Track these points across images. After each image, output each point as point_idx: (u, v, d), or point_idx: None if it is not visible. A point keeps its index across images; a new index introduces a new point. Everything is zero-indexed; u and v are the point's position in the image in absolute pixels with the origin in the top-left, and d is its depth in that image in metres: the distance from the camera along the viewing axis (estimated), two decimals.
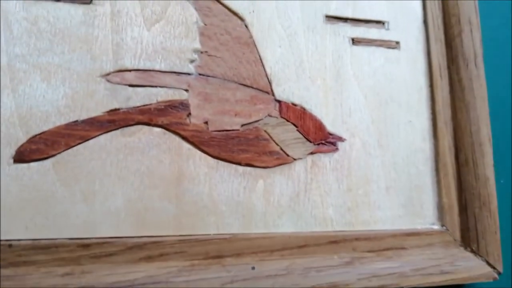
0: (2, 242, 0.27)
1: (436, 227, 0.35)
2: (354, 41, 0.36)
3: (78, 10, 0.31)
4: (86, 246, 0.28)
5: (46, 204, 0.28)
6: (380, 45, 0.36)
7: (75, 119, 0.30)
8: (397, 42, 0.37)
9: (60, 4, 0.31)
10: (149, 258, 0.29)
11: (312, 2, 0.35)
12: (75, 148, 0.29)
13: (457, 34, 0.37)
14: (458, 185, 0.35)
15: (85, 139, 0.30)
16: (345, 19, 0.36)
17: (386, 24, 0.37)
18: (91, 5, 0.31)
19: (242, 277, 0.29)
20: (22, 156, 0.29)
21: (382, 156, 0.35)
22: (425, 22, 0.38)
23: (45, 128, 0.29)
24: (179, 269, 0.29)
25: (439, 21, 0.37)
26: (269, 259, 0.30)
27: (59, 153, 0.29)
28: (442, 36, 0.37)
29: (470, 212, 0.35)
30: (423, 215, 0.35)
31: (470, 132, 0.35)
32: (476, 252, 0.34)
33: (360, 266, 0.31)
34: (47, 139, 0.29)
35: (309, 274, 0.30)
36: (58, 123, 0.29)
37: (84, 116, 0.30)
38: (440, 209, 0.35)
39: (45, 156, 0.29)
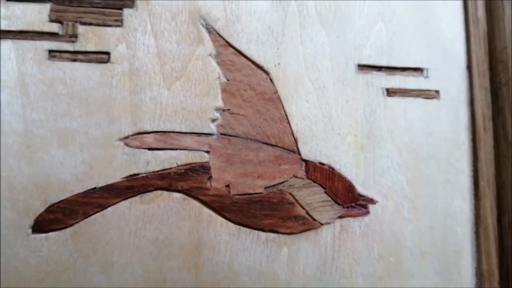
0: None
1: None
2: (389, 92, 0.34)
3: (95, 70, 0.31)
4: None
5: (64, 276, 0.29)
6: (418, 96, 0.35)
7: (93, 186, 0.30)
8: (437, 91, 0.35)
9: (77, 64, 0.31)
10: None
11: (343, 50, 0.34)
12: (93, 216, 0.30)
13: (505, 83, 0.35)
14: (500, 251, 0.34)
15: (103, 207, 0.30)
16: (379, 68, 0.35)
17: (425, 72, 0.35)
18: (108, 64, 0.31)
19: None
20: (40, 226, 0.29)
21: (417, 219, 0.34)
22: (468, 68, 0.36)
23: (63, 197, 0.30)
24: None
25: (485, 67, 0.35)
26: None
27: (77, 222, 0.30)
28: (487, 84, 0.35)
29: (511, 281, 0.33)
30: (460, 283, 0.34)
31: None
32: None
33: None
34: (65, 208, 0.29)
35: None
36: (76, 191, 0.30)
37: (102, 182, 0.30)
38: (479, 276, 0.34)
39: (63, 226, 0.29)
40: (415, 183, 0.34)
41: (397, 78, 0.35)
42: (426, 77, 0.35)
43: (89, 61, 0.31)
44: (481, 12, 0.36)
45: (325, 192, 0.33)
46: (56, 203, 0.29)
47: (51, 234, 0.29)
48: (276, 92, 0.33)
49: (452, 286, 0.34)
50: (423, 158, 0.34)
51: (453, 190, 0.35)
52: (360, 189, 0.33)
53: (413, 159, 0.34)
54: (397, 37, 0.35)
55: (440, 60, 0.36)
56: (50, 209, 0.29)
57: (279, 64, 0.33)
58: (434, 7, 0.36)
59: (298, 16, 0.34)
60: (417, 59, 0.35)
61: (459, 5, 0.36)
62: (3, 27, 0.30)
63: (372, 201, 0.33)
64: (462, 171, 0.35)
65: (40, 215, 0.29)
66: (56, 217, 0.29)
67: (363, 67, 0.34)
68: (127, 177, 0.30)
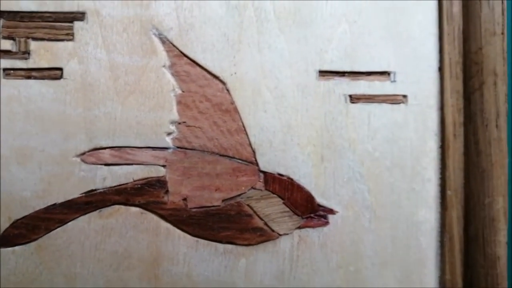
0: None
1: None
2: (352, 99, 0.35)
3: (49, 87, 0.32)
4: None
5: (33, 285, 0.32)
6: (384, 101, 0.35)
7: (53, 202, 0.33)
8: (405, 96, 0.35)
9: (31, 81, 0.32)
10: None
11: (303, 56, 0.34)
12: (55, 231, 0.33)
13: (478, 87, 0.34)
14: (465, 262, 0.35)
15: (64, 222, 0.33)
16: (342, 73, 0.34)
17: (392, 75, 0.35)
18: (61, 80, 0.33)
19: None
20: (6, 241, 0.32)
21: (378, 229, 0.35)
22: (440, 70, 0.35)
23: (25, 213, 0.32)
24: None
25: (458, 69, 0.35)
26: None
27: (40, 237, 0.33)
28: (460, 87, 0.35)
29: None
30: None
31: (482, 204, 0.34)
32: None
33: None
34: (28, 224, 0.32)
35: None
36: (37, 207, 0.32)
37: (61, 199, 0.33)
38: (442, 285, 0.35)
39: (28, 240, 0.32)
40: (378, 192, 0.35)
41: (362, 83, 0.35)
42: (393, 81, 0.35)
43: (43, 77, 0.32)
44: (456, 8, 0.34)
45: (284, 203, 0.34)
46: (20, 219, 0.32)
47: (17, 248, 0.32)
48: (233, 102, 0.34)
49: None
50: (386, 167, 0.35)
51: (418, 199, 0.35)
52: (320, 199, 0.34)
53: (376, 168, 0.35)
54: (362, 39, 0.34)
55: (410, 63, 0.35)
56: (15, 224, 0.32)
57: (235, 73, 0.34)
58: (406, 4, 0.35)
59: (256, 21, 0.34)
60: (384, 62, 0.35)
61: (433, 2, 0.35)
62: None
63: (331, 211, 0.35)
64: (428, 179, 0.35)
65: (6, 230, 0.32)
66: (20, 232, 0.32)
67: (324, 73, 0.34)
68: (85, 192, 0.33)
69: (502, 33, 0.34)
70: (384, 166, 0.35)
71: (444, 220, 0.35)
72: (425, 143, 0.35)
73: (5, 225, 0.32)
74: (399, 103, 0.35)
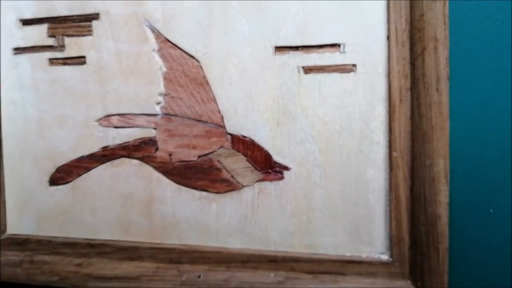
0: (45, 238, 0.47)
1: (384, 257, 0.40)
2: (305, 70, 0.41)
3: (77, 71, 0.47)
4: (92, 245, 0.47)
5: (68, 215, 0.48)
6: (334, 71, 0.41)
7: (81, 155, 0.47)
8: (354, 65, 0.40)
9: (65, 67, 0.47)
10: (130, 259, 0.45)
11: (262, 35, 0.42)
12: (83, 176, 0.47)
13: (420, 53, 0.37)
14: (411, 219, 0.39)
15: (89, 169, 0.47)
16: (296, 48, 0.41)
17: (341, 47, 0.40)
18: (85, 66, 0.47)
19: (189, 283, 0.43)
20: (53, 181, 0.48)
21: (328, 185, 0.41)
22: (388, 38, 0.39)
23: (64, 162, 0.47)
24: (147, 269, 0.44)
25: (405, 37, 0.38)
26: (215, 270, 0.43)
27: (74, 179, 0.47)
28: (407, 54, 0.39)
29: (419, 248, 0.38)
30: (371, 244, 0.41)
31: (424, 165, 0.37)
32: None
33: (291, 286, 0.41)
34: (66, 170, 0.47)
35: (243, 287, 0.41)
36: (71, 158, 0.47)
37: (86, 152, 0.47)
38: (390, 240, 0.40)
39: (66, 181, 0.48)
40: (328, 153, 0.41)
41: (313, 56, 0.41)
42: (343, 52, 0.40)
43: (73, 64, 0.47)
44: None
45: (247, 160, 0.43)
46: (60, 166, 0.48)
47: (60, 186, 0.48)
48: (205, 77, 0.44)
49: (361, 246, 0.41)
50: (336, 130, 0.41)
51: (366, 160, 0.40)
52: (276, 157, 0.42)
53: (326, 131, 0.41)
54: (313, 16, 0.41)
55: (359, 34, 0.40)
56: (58, 170, 0.48)
57: (206, 53, 0.43)
58: None
59: (222, 9, 0.42)
60: (334, 35, 0.41)
61: None
62: (21, 45, 0.48)
63: (286, 168, 0.42)
64: (377, 142, 0.40)
65: (53, 174, 0.48)
66: (61, 175, 0.48)
67: (280, 49, 0.42)
68: (102, 148, 0.46)
69: None
70: (333, 129, 0.41)
71: (391, 180, 0.40)
72: (373, 108, 0.40)
73: (52, 170, 0.48)
74: (349, 72, 0.40)
